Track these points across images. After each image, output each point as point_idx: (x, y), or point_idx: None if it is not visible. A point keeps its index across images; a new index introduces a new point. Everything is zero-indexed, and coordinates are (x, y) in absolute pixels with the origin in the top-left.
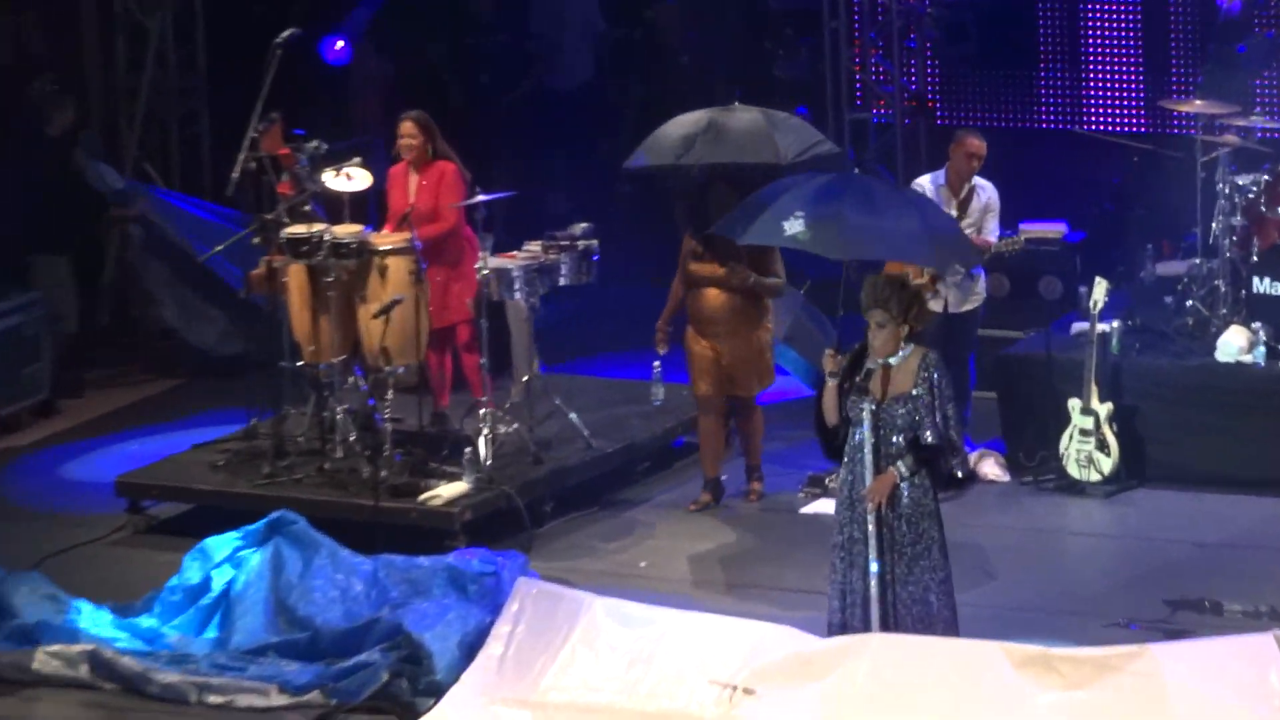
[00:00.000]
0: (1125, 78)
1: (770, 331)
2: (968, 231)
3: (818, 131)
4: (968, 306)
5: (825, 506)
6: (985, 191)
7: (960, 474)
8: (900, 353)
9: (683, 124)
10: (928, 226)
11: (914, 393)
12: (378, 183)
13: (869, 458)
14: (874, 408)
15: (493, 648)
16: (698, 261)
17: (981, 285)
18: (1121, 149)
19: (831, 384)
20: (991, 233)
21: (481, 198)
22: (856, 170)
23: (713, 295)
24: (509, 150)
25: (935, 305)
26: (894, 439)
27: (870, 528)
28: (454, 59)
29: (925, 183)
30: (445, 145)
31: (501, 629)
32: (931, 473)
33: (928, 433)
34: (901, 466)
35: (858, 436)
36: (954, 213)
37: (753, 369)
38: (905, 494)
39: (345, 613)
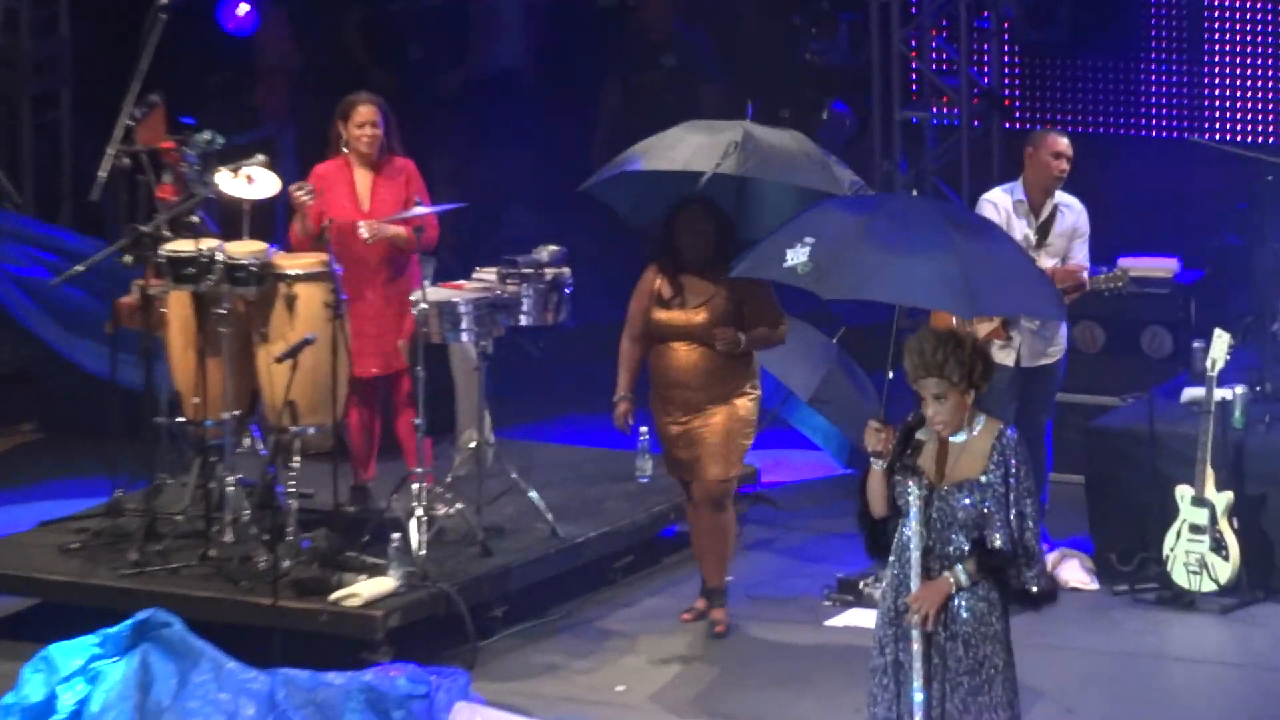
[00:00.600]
0: (1259, 75)
1: (758, 398)
2: (1049, 264)
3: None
4: (1045, 360)
5: (858, 618)
6: (1071, 212)
7: (1036, 589)
8: (969, 429)
9: (702, 128)
10: (971, 263)
11: (983, 480)
12: (287, 188)
13: (916, 558)
14: (926, 493)
15: None
16: (664, 308)
17: (1063, 334)
18: (1251, 164)
19: (878, 468)
20: (1081, 264)
21: (426, 209)
22: (912, 190)
23: (685, 352)
24: (451, 149)
25: (1004, 358)
26: (952, 537)
27: (915, 648)
28: (374, 29)
29: (998, 198)
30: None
31: None
32: (999, 585)
33: (997, 535)
34: (960, 573)
35: (905, 531)
36: (1032, 237)
37: (733, 445)
38: (964, 608)
39: None
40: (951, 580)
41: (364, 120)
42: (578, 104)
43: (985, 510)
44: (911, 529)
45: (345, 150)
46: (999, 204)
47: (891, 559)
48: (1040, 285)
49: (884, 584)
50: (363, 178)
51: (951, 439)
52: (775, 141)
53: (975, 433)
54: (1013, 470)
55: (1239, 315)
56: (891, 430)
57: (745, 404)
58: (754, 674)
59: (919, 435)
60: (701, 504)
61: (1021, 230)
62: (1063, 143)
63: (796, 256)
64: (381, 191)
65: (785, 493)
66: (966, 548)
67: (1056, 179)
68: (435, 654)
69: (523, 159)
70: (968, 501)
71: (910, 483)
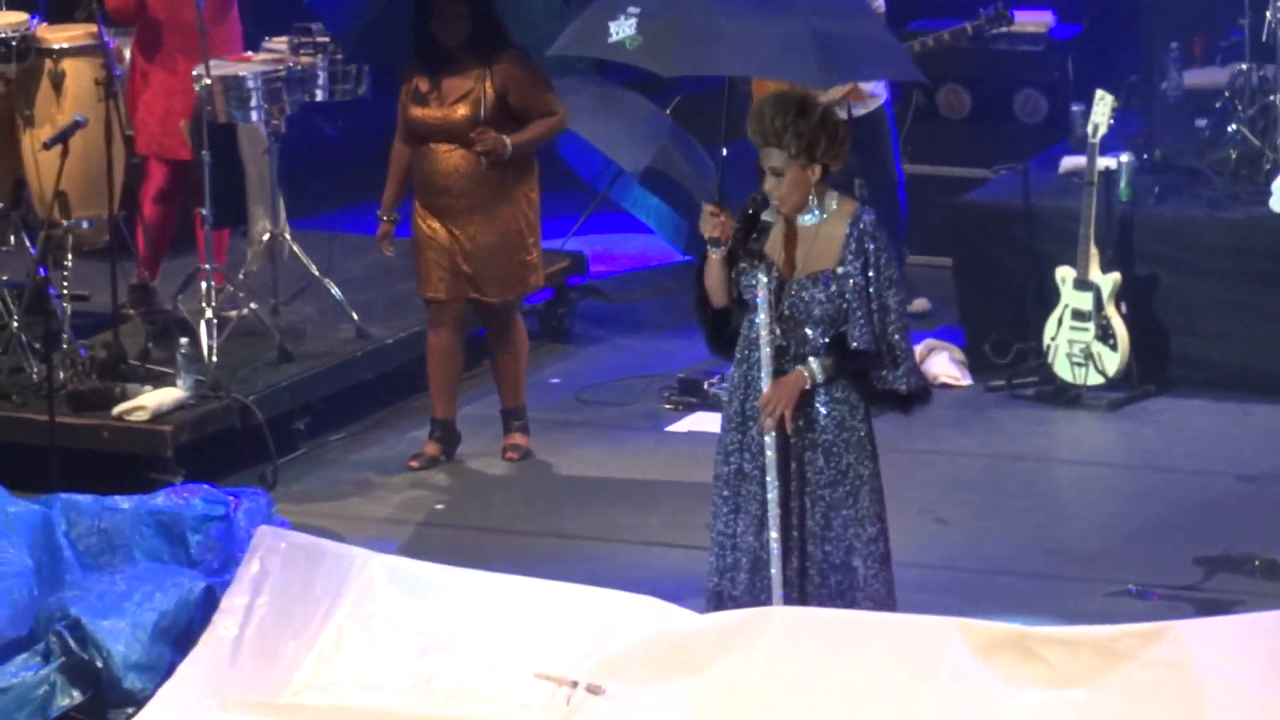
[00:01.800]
0: None
1: (536, 203)
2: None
3: None
4: (862, 111)
5: (703, 422)
6: None
7: (906, 389)
8: (816, 209)
9: None
10: (819, 26)
11: (839, 270)
12: None
13: (767, 355)
14: (776, 285)
15: (222, 627)
16: (421, 104)
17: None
18: None
19: (716, 255)
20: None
21: None
22: None
23: (444, 154)
24: None
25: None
26: (807, 333)
27: (769, 455)
28: None
29: None
30: None
31: (235, 600)
32: (861, 387)
33: (858, 332)
34: (815, 366)
35: (753, 327)
36: None
37: (507, 263)
38: (823, 412)
39: (4, 593)
40: (806, 375)
41: None
42: None
43: (843, 305)
44: (760, 324)
45: None
46: None
47: (738, 357)
48: (892, 45)
49: (729, 384)
50: None
51: (800, 222)
52: None
53: (827, 216)
54: (872, 258)
55: (1123, 74)
56: (729, 213)
57: (523, 213)
58: (590, 488)
59: (765, 217)
60: (489, 327)
61: None
62: None
63: (621, 29)
64: None
65: (617, 284)
66: (823, 344)
67: None
68: (232, 472)
69: None
70: (822, 295)
71: (758, 272)
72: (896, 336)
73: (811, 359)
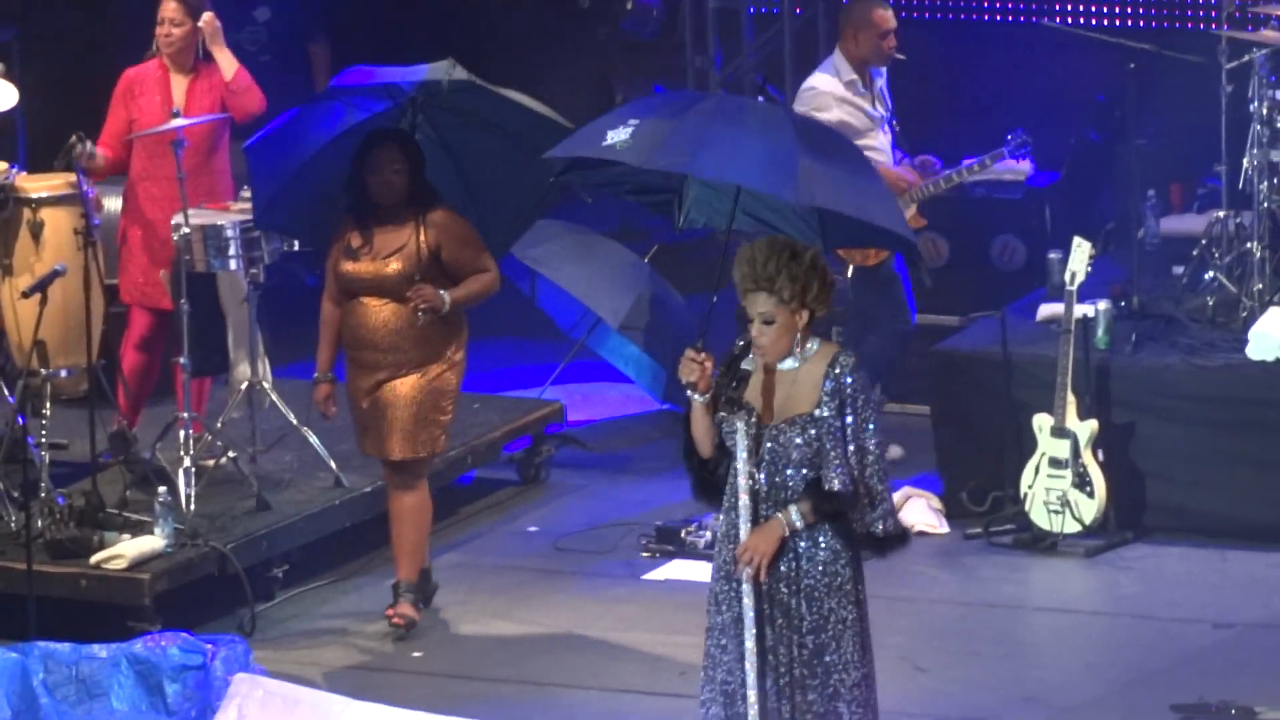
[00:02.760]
0: None
1: (461, 366)
2: (879, 159)
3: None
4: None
5: (679, 570)
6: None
7: (883, 532)
8: (797, 353)
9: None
10: (808, 153)
11: (817, 413)
12: (32, 94)
13: (745, 503)
14: (755, 431)
15: None
16: (352, 259)
17: None
18: (1112, 51)
19: (698, 401)
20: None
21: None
22: (721, 90)
23: (375, 309)
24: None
25: None
26: (787, 478)
27: (746, 602)
28: None
29: (824, 83)
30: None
31: None
32: (838, 530)
33: (834, 476)
34: (793, 514)
35: (735, 474)
36: (876, 110)
37: (422, 420)
38: (806, 558)
39: None
40: (784, 522)
41: (163, 17)
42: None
43: (821, 447)
44: (739, 471)
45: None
46: (829, 90)
47: (725, 505)
48: (885, 198)
49: (718, 532)
50: (178, 83)
51: (780, 367)
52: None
53: (808, 360)
54: (849, 401)
55: (1100, 222)
56: (710, 359)
57: (444, 373)
58: (567, 635)
59: (745, 365)
60: (390, 486)
61: (869, 111)
62: (890, 17)
63: (616, 136)
64: (198, 98)
65: (595, 432)
66: (803, 486)
67: (888, 58)
68: (210, 620)
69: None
70: (800, 440)
71: (737, 420)
72: (875, 480)
73: (790, 506)
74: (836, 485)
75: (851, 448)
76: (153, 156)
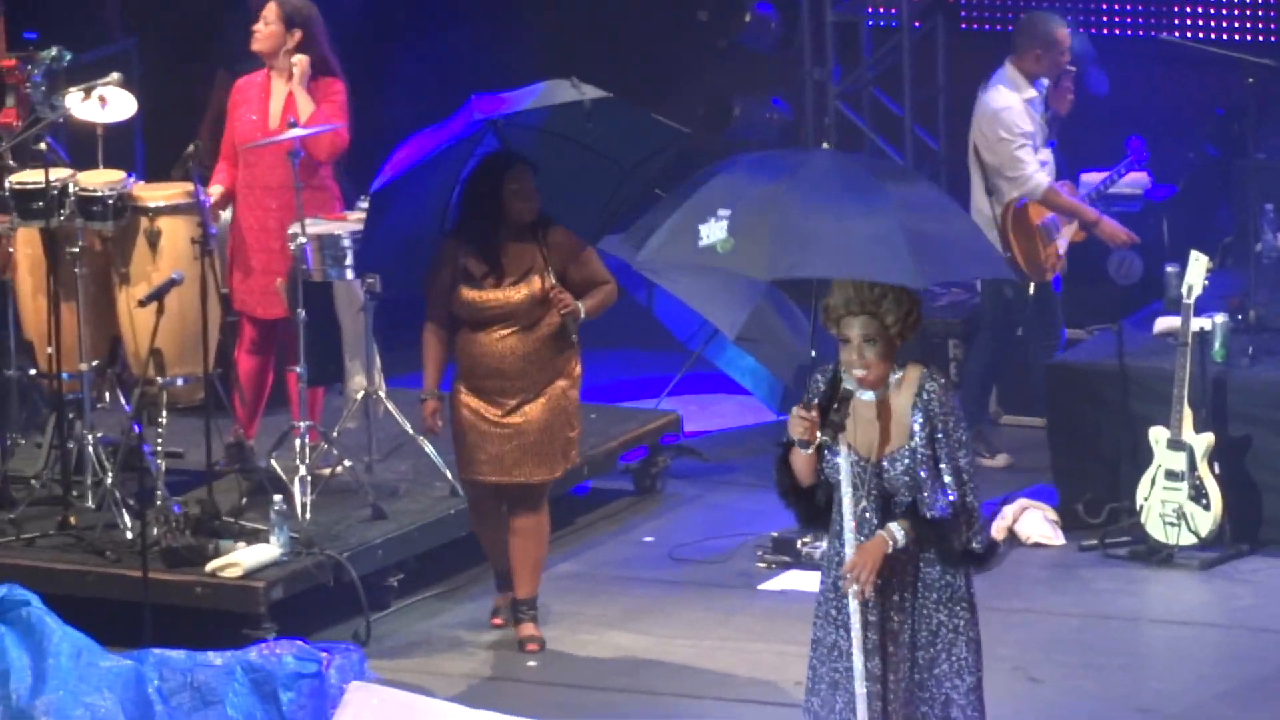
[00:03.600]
0: None
1: (579, 380)
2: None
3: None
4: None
5: (795, 581)
6: None
7: (977, 547)
8: (893, 378)
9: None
10: (910, 224)
11: (912, 444)
12: (151, 104)
13: (849, 528)
14: (860, 465)
15: None
16: (475, 286)
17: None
18: (1231, 65)
19: (805, 454)
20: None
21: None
22: (840, 102)
23: (500, 338)
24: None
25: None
26: (891, 504)
27: (854, 623)
28: None
29: (1015, 101)
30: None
31: None
32: (940, 552)
33: (933, 503)
34: (896, 530)
35: (841, 505)
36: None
37: (554, 440)
38: (916, 573)
39: None
40: (887, 539)
41: (258, 18)
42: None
43: (917, 476)
44: (843, 495)
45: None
46: (1020, 107)
47: (832, 531)
48: (984, 245)
49: (824, 558)
50: (279, 91)
51: (868, 398)
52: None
53: (898, 387)
54: (940, 426)
55: (1218, 236)
56: (818, 416)
57: (568, 390)
58: (682, 646)
59: (846, 385)
60: (511, 505)
61: (1043, 130)
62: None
63: (712, 233)
64: (295, 109)
65: (711, 443)
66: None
67: (1061, 67)
68: (325, 628)
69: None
70: (903, 473)
71: (840, 456)
72: (971, 498)
73: (892, 524)
74: (936, 512)
75: (946, 472)
76: (262, 166)
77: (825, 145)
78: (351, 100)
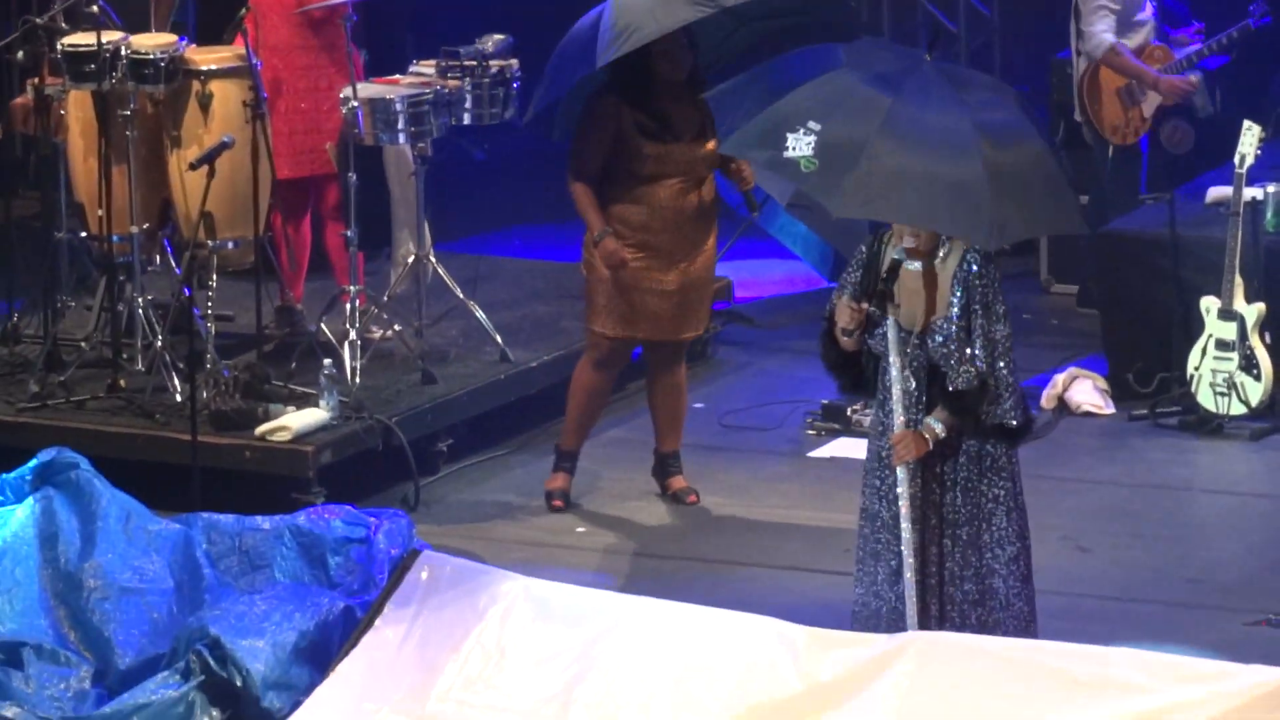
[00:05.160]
0: None
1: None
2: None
3: None
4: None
5: (845, 448)
6: None
7: (1015, 423)
8: (941, 251)
9: None
10: (995, 164)
11: (950, 314)
12: None
13: (897, 397)
14: (904, 335)
15: (388, 631)
16: (655, 140)
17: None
18: None
19: (848, 341)
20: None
21: None
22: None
23: (678, 190)
24: None
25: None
26: (936, 375)
27: (903, 505)
28: None
29: None
30: None
31: (402, 610)
32: (968, 424)
33: (959, 374)
34: (934, 424)
35: (887, 373)
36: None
37: (705, 297)
38: (961, 448)
39: (144, 611)
40: (927, 435)
41: None
42: None
43: (952, 347)
44: (893, 371)
45: None
46: None
47: (879, 399)
48: (1065, 196)
49: (870, 426)
50: None
51: (915, 267)
52: None
53: (945, 258)
54: (976, 293)
55: (1272, 105)
56: (864, 307)
57: (715, 248)
58: (731, 513)
59: (893, 255)
60: (657, 363)
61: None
62: None
63: (799, 147)
64: None
65: (762, 309)
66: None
67: None
68: (373, 493)
69: None
70: (939, 340)
71: (886, 325)
72: (1004, 370)
73: (929, 418)
74: (960, 384)
75: (978, 343)
76: (267, 29)
77: (927, 57)
78: None
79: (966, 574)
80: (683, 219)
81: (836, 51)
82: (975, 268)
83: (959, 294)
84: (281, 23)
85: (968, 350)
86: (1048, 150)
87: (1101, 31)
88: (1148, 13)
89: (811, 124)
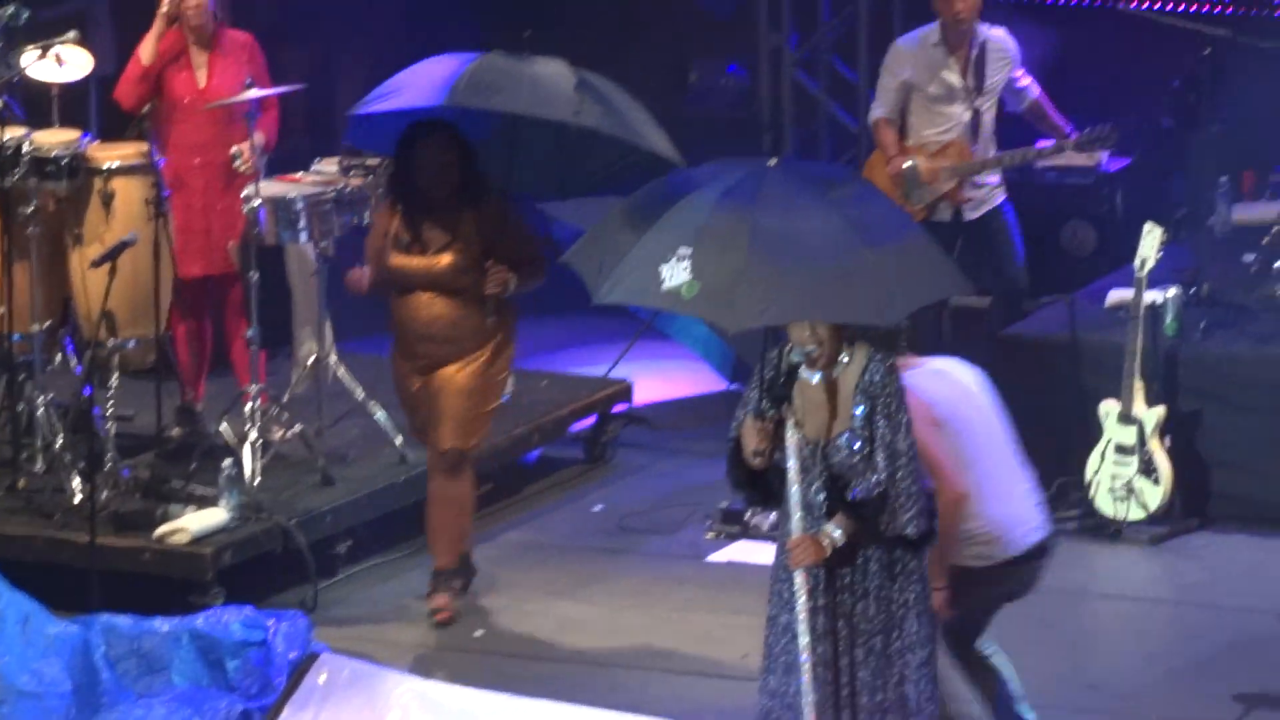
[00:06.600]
0: None
1: (510, 358)
2: (990, 110)
3: (652, 126)
4: (987, 207)
5: (745, 553)
6: (999, 41)
7: (914, 532)
8: (843, 358)
9: (512, 63)
10: (873, 257)
11: (853, 426)
12: (101, 68)
13: (796, 514)
14: (809, 446)
15: None
16: (403, 250)
17: (994, 177)
18: (1187, 36)
19: (757, 463)
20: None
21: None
22: (797, 69)
23: (427, 303)
24: (297, 27)
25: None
26: (840, 488)
27: (800, 611)
28: None
29: (904, 43)
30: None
31: (300, 714)
32: (869, 534)
33: (859, 484)
34: (832, 529)
35: (790, 487)
36: (959, 81)
37: (472, 411)
38: (874, 559)
39: (42, 715)
40: (825, 542)
41: None
42: None
43: (851, 459)
44: (791, 475)
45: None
46: (905, 48)
47: (783, 514)
48: (943, 263)
49: (779, 539)
50: (197, 53)
51: (815, 380)
52: (606, 90)
53: (845, 369)
54: (880, 407)
55: (1172, 208)
56: (771, 424)
57: (497, 362)
58: (629, 615)
59: (792, 358)
60: (434, 471)
61: (946, 77)
62: None
63: (675, 275)
64: (219, 68)
65: (661, 411)
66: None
67: (959, 21)
68: (273, 594)
69: (363, 40)
70: (844, 452)
71: (788, 427)
72: (906, 480)
73: (828, 524)
74: (861, 494)
75: (881, 450)
76: (172, 125)
77: (772, 162)
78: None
79: (878, 683)
80: (437, 329)
81: (683, 177)
82: (878, 377)
83: (861, 404)
84: (184, 120)
85: (870, 460)
86: (916, 227)
87: (874, 107)
88: (959, 108)
89: (681, 250)
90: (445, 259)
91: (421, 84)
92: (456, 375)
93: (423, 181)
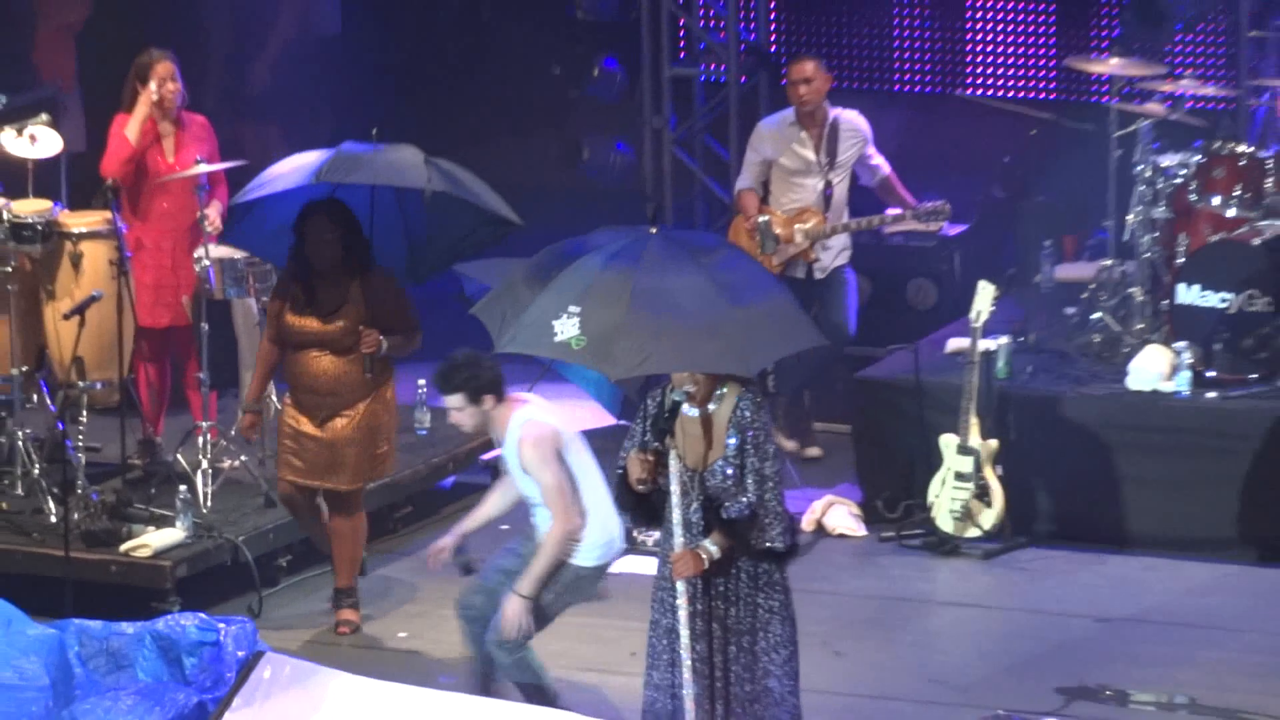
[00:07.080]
0: (1023, 28)
1: (392, 404)
2: (843, 183)
3: (491, 193)
4: (838, 263)
5: (633, 565)
6: (851, 122)
7: (782, 545)
8: (718, 393)
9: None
10: (741, 314)
11: (726, 455)
12: (71, 146)
13: (678, 532)
14: (689, 474)
15: None
16: (298, 314)
17: (845, 240)
18: (1014, 119)
19: (642, 490)
20: (888, 173)
21: (208, 167)
22: (676, 147)
23: (315, 359)
24: (238, 106)
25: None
26: (718, 511)
27: (681, 615)
28: None
29: (768, 124)
30: None
31: (248, 704)
32: (743, 547)
33: (730, 503)
34: (709, 545)
35: (671, 508)
36: (813, 156)
37: (362, 455)
38: (743, 570)
39: (23, 705)
40: (704, 556)
41: (166, 76)
42: (365, 68)
43: (725, 484)
44: (673, 499)
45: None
46: (765, 128)
47: (664, 533)
48: (799, 321)
49: (660, 549)
50: (166, 131)
51: (693, 414)
52: (449, 166)
53: (719, 405)
54: (750, 439)
55: (1003, 267)
56: (654, 455)
57: (379, 410)
58: None
59: (673, 397)
60: (332, 510)
61: (802, 153)
62: (805, 68)
63: (565, 329)
64: (182, 144)
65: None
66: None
67: (803, 102)
68: (222, 602)
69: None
70: (719, 477)
71: (671, 456)
72: (772, 501)
73: (706, 540)
74: (733, 513)
75: (751, 476)
76: (147, 196)
77: (653, 230)
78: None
79: (745, 676)
80: (324, 383)
81: (577, 242)
82: (748, 413)
83: (733, 436)
84: (144, 191)
85: (741, 485)
86: (779, 287)
87: (739, 179)
88: (813, 180)
89: (572, 308)
90: (336, 323)
91: (289, 172)
92: (342, 425)
93: (309, 251)
